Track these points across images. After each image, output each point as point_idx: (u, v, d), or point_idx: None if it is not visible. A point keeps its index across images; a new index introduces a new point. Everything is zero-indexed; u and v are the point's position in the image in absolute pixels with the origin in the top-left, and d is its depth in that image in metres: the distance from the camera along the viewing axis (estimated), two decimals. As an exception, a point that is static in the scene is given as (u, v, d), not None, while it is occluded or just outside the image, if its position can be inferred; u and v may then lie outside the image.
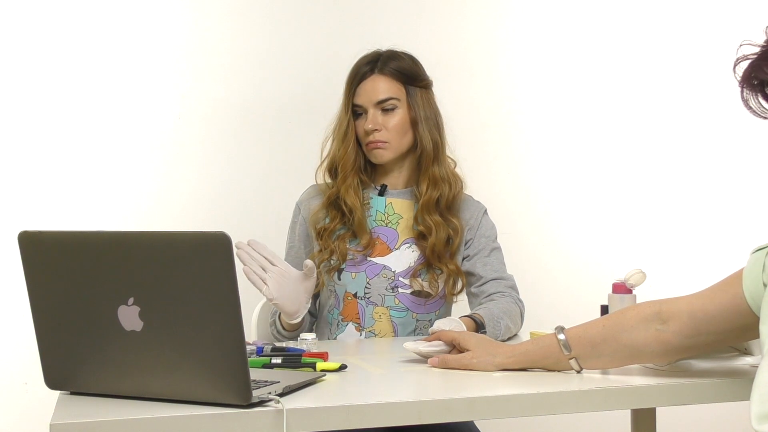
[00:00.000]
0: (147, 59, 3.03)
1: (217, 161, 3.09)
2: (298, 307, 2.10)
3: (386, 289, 2.28)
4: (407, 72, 2.31)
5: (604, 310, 2.05)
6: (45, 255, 1.50)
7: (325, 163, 2.36)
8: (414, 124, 2.30)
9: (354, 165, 2.30)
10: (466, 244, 2.33)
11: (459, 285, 2.33)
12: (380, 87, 2.29)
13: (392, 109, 2.29)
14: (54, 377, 1.54)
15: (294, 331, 2.19)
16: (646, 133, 3.37)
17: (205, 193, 3.06)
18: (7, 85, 2.94)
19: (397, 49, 2.36)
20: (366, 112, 2.29)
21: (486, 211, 2.39)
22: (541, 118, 3.33)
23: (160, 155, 3.04)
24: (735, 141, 3.38)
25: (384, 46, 2.36)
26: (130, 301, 1.45)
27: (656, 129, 3.37)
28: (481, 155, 3.23)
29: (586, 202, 3.35)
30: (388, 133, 2.28)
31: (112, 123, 3.01)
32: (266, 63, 3.12)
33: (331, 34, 3.11)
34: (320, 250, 2.30)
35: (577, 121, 3.34)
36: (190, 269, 1.41)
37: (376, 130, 2.27)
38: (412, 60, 2.36)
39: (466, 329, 1.97)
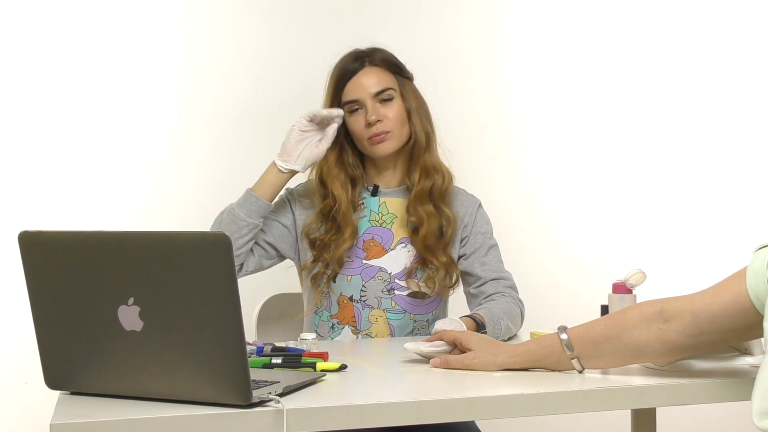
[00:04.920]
0: (147, 59, 3.03)
1: (217, 161, 3.09)
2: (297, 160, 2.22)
3: (382, 291, 2.25)
4: (395, 62, 2.29)
5: (604, 310, 2.05)
6: (45, 255, 1.50)
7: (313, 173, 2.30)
8: (408, 114, 2.26)
9: (338, 160, 2.25)
10: (462, 242, 2.29)
11: (453, 277, 2.28)
12: (376, 79, 2.24)
13: (390, 100, 2.23)
14: (54, 377, 1.54)
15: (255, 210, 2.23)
16: (646, 132, 3.37)
17: (205, 193, 3.05)
18: (7, 85, 2.93)
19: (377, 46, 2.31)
20: (363, 106, 2.22)
21: (480, 204, 2.34)
22: (540, 118, 3.32)
23: (160, 155, 3.04)
24: (735, 141, 3.38)
25: (384, 46, 2.32)
26: (130, 301, 1.45)
27: (656, 128, 3.37)
28: (481, 155, 3.23)
29: (585, 201, 3.34)
30: (391, 122, 2.22)
31: (112, 123, 3.01)
32: (266, 63, 3.11)
33: (331, 34, 3.10)
34: (314, 261, 2.26)
35: (576, 120, 3.34)
36: (190, 269, 1.40)
37: (379, 120, 2.21)
38: (393, 54, 2.32)
39: (467, 329, 1.96)
